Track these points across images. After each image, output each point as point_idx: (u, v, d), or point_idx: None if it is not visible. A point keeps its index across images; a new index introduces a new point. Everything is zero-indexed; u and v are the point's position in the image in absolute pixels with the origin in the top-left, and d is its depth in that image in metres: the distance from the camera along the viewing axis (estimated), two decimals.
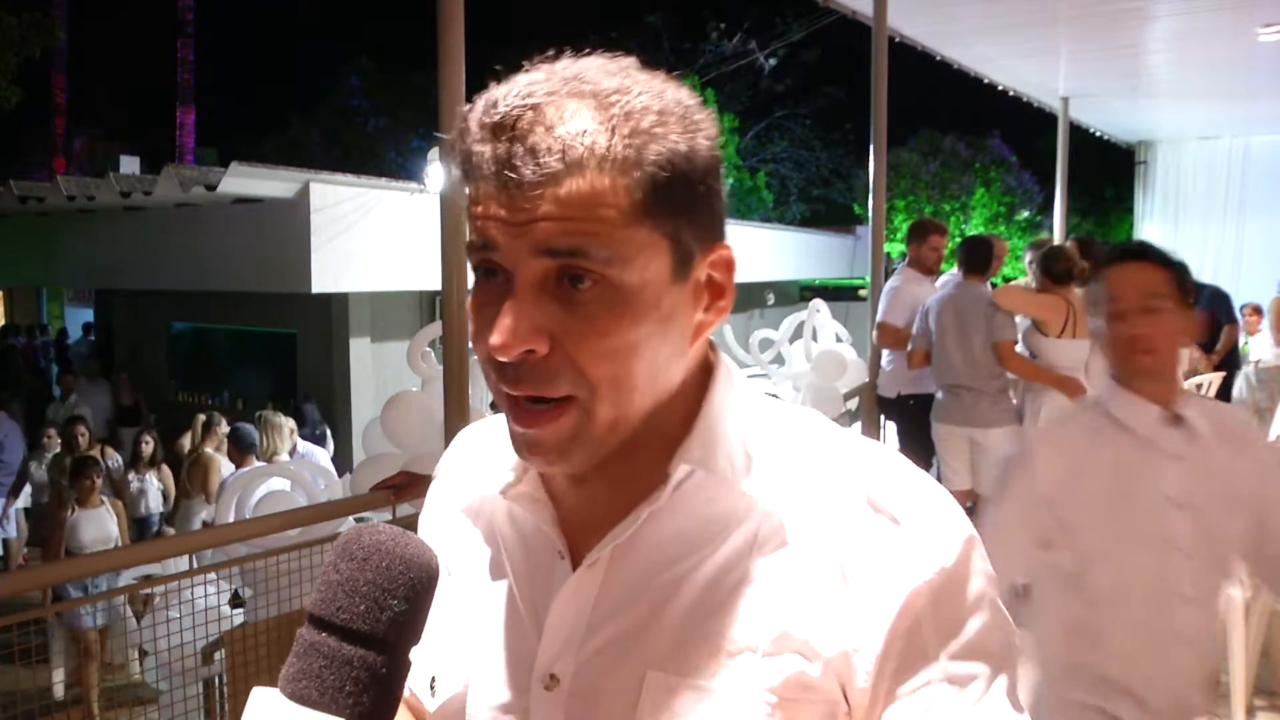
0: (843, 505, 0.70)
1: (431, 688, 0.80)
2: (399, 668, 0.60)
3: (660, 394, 0.70)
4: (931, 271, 5.45)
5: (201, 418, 7.38)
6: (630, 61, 0.69)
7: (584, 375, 0.66)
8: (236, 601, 3.65)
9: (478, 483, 0.80)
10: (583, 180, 0.63)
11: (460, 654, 0.78)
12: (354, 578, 0.60)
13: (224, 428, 7.24)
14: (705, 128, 0.69)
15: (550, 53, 0.69)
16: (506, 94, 0.65)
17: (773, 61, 20.78)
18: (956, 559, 0.69)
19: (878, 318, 5.41)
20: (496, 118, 0.64)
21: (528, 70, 0.68)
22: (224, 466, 6.87)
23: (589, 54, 0.69)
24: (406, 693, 0.71)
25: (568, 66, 0.67)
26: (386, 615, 0.59)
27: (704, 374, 0.75)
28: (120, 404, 10.69)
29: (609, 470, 0.72)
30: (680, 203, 0.66)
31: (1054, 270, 4.85)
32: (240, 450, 6.03)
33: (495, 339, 0.66)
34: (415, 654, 0.62)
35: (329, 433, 9.80)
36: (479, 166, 0.65)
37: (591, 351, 0.66)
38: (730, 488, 0.71)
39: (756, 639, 0.68)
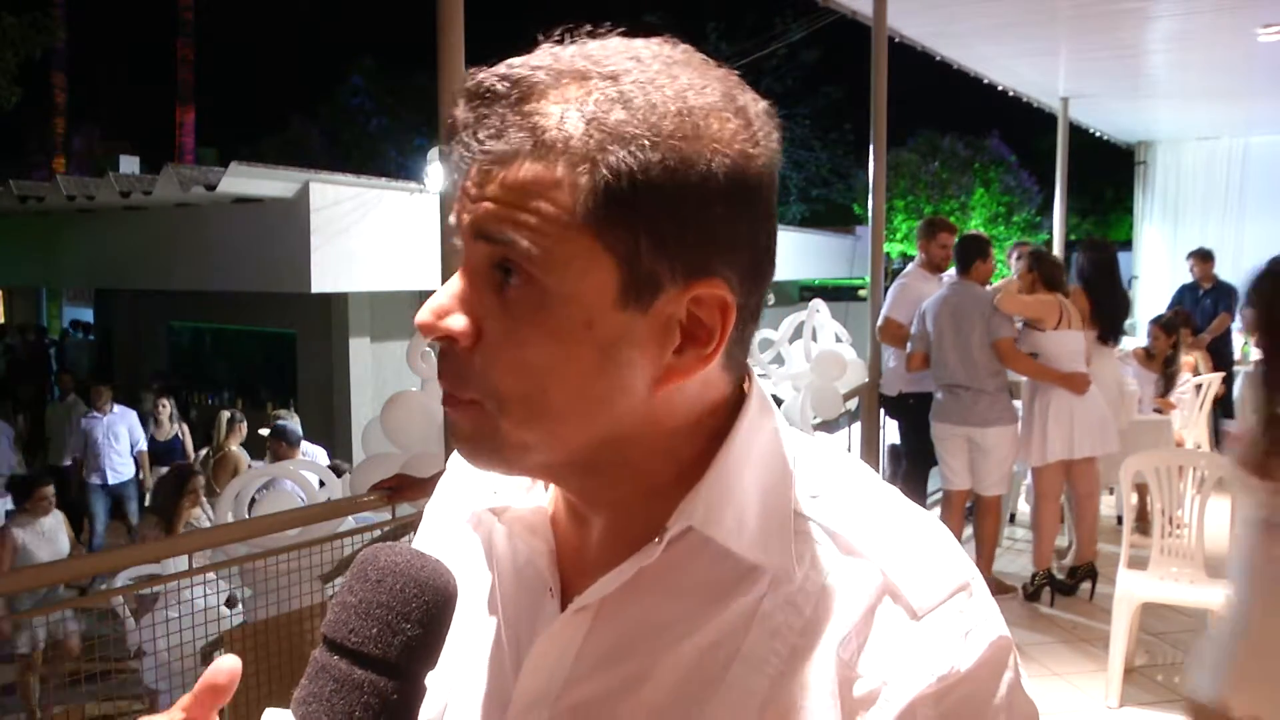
0: (858, 588, 0.63)
1: None
2: (411, 694, 0.59)
3: (606, 431, 0.62)
4: (940, 269, 5.47)
5: (225, 415, 7.49)
6: (668, 50, 0.62)
7: (494, 386, 0.61)
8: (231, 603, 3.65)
9: (485, 490, 0.73)
10: (526, 166, 0.58)
11: (439, 675, 0.73)
12: (367, 600, 0.58)
13: (246, 426, 7.39)
14: (727, 141, 0.59)
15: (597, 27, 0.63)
16: (502, 62, 0.61)
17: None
18: (975, 663, 0.61)
19: (883, 312, 5.42)
20: (471, 84, 0.60)
21: (554, 42, 0.63)
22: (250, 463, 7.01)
23: (640, 35, 0.63)
24: None
25: (592, 42, 0.62)
26: (399, 640, 0.58)
27: (730, 416, 0.66)
28: (154, 439, 8.94)
29: (602, 508, 0.67)
30: (644, 220, 0.58)
31: (1048, 274, 4.94)
32: (289, 445, 6.21)
33: (419, 315, 0.62)
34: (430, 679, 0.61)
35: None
36: (452, 132, 0.61)
37: (506, 361, 0.60)
38: (737, 553, 0.63)
39: None
